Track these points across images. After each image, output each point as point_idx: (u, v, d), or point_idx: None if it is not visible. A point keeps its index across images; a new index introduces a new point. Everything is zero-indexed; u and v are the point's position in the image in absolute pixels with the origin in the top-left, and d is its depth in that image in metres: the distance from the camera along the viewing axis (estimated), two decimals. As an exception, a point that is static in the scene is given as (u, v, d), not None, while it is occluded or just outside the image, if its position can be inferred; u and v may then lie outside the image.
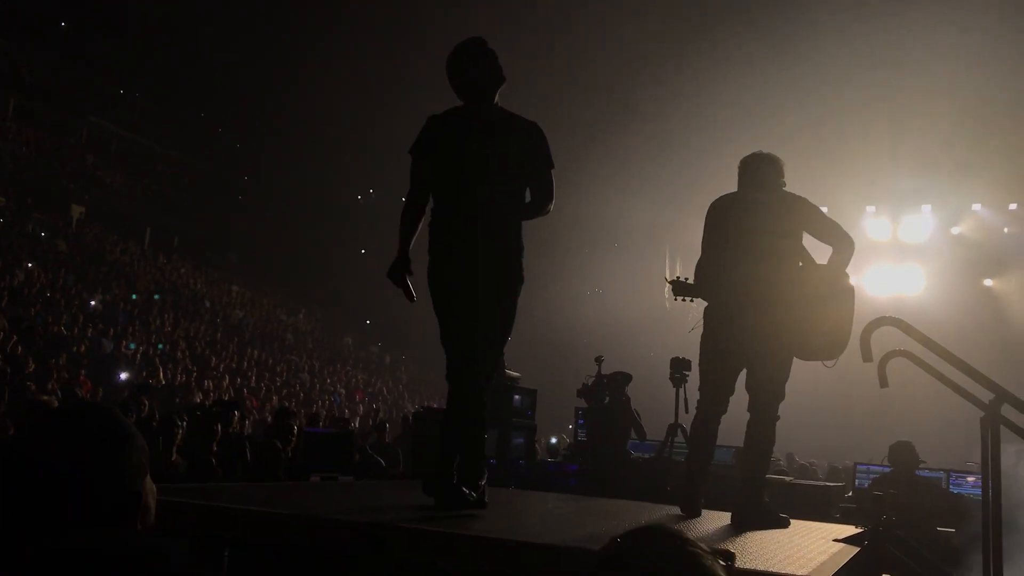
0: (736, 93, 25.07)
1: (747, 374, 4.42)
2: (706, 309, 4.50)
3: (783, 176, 4.50)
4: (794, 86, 24.71)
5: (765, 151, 4.59)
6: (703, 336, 4.50)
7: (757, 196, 4.41)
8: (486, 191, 3.70)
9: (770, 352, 4.30)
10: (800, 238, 4.35)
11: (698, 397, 4.58)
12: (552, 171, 3.84)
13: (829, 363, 4.30)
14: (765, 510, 4.28)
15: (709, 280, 4.45)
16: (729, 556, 1.16)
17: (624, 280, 28.75)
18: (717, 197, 4.58)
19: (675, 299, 4.66)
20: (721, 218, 4.47)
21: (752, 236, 4.29)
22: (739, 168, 4.58)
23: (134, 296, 21.66)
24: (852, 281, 4.18)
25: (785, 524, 4.18)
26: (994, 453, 3.27)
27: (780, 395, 4.38)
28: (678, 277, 4.61)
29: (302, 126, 33.71)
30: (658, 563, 1.07)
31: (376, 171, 35.38)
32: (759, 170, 4.47)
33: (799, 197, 4.42)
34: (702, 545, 1.11)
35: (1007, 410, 3.32)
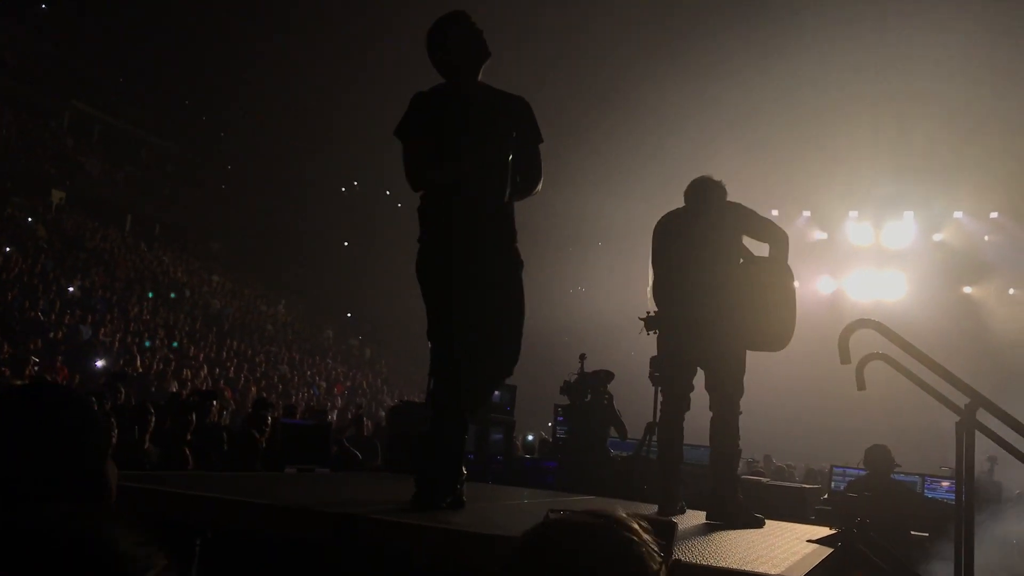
0: (720, 96, 25.15)
1: (705, 374, 4.50)
2: (659, 314, 4.64)
3: (724, 195, 4.67)
4: (777, 91, 24.82)
5: (707, 176, 4.76)
6: (659, 339, 4.68)
7: (697, 208, 4.63)
8: (478, 173, 3.57)
9: (724, 350, 4.45)
10: (739, 240, 4.52)
11: (661, 399, 4.66)
12: (540, 146, 3.75)
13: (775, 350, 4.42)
14: (739, 508, 4.29)
15: (662, 291, 4.63)
16: (667, 529, 1.13)
17: (608, 278, 28.77)
18: (662, 216, 4.78)
19: (647, 333, 4.75)
20: (666, 233, 4.70)
21: (695, 244, 4.51)
22: (686, 190, 4.76)
23: (150, 294, 21.64)
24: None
25: (759, 524, 4.20)
26: (968, 457, 3.28)
27: (739, 390, 4.48)
28: (648, 312, 4.69)
29: (287, 116, 33.57)
30: (584, 544, 1.04)
31: (360, 163, 35.29)
32: (701, 189, 4.68)
33: (734, 203, 4.61)
34: (641, 531, 1.08)
35: (982, 415, 3.33)
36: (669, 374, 4.63)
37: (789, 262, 4.44)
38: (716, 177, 4.75)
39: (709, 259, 4.46)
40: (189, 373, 17.16)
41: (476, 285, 3.53)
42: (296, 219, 35.30)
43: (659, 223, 4.78)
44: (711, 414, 4.51)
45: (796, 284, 4.53)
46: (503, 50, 3.77)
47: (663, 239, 4.72)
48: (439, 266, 3.56)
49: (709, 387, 4.53)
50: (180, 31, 31.55)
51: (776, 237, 4.51)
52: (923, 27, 23.06)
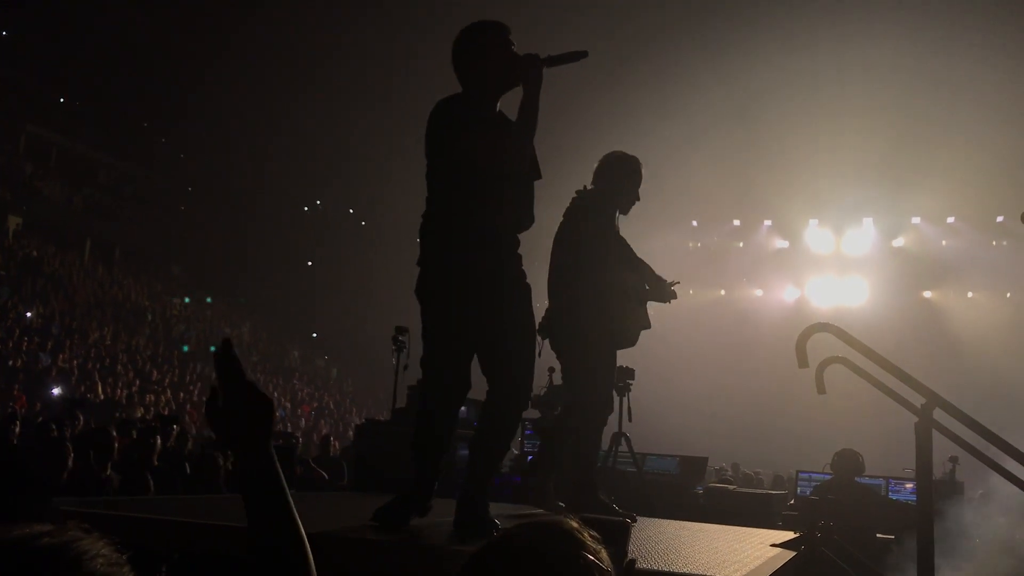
0: (681, 108, 25.36)
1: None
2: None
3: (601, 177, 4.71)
4: (737, 102, 25.12)
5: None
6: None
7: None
8: (503, 194, 3.37)
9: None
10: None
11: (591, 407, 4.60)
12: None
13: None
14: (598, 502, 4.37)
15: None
16: (620, 533, 1.13)
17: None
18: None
19: None
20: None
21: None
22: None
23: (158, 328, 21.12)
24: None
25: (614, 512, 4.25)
26: (926, 457, 3.32)
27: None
28: None
29: (248, 136, 33.35)
30: (524, 566, 1.03)
31: (322, 183, 35.16)
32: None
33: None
34: (589, 541, 1.08)
35: (939, 414, 3.37)
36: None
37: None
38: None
39: None
40: (152, 398, 16.94)
41: (491, 312, 3.36)
42: (259, 239, 35.04)
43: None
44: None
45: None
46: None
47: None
48: (451, 291, 3.36)
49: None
50: (137, 52, 31.26)
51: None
52: (880, 38, 23.47)
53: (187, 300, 29.92)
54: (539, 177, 3.56)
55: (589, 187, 4.70)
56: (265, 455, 1.47)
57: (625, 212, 4.78)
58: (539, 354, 4.78)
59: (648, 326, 4.73)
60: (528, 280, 3.56)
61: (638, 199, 4.78)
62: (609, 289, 4.44)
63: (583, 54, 3.34)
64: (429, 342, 3.42)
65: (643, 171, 4.76)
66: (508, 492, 7.61)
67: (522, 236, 3.52)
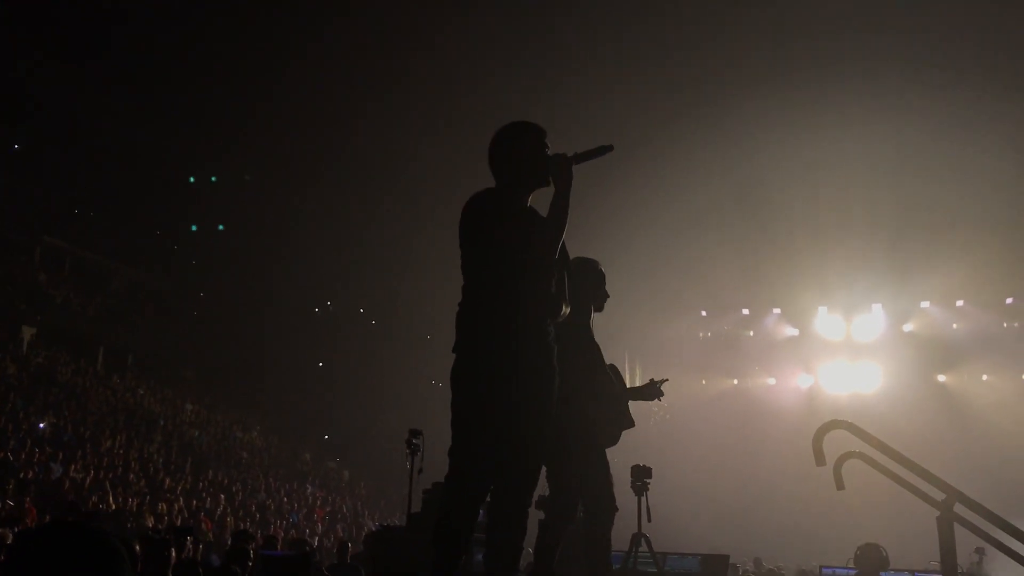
0: (687, 196, 25.72)
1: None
2: None
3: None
4: (743, 190, 25.44)
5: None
6: None
7: None
8: (537, 284, 3.45)
9: None
10: None
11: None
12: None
13: None
14: None
15: None
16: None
17: (584, 386, 28.78)
18: None
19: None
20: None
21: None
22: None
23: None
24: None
25: None
26: (949, 551, 3.30)
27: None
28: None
29: (257, 239, 33.85)
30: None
31: (333, 283, 35.48)
32: None
33: None
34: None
35: (960, 508, 3.36)
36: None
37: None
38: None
39: None
40: (164, 507, 16.77)
41: (527, 401, 3.38)
42: (269, 341, 35.18)
43: None
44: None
45: None
46: (462, 161, 3.84)
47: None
48: (493, 376, 3.35)
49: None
50: (148, 160, 32.02)
51: None
52: (884, 123, 23.90)
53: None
54: (571, 272, 3.65)
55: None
56: None
57: (600, 310, 4.89)
58: None
59: (630, 425, 4.76)
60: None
61: (607, 295, 4.90)
62: (576, 393, 4.36)
63: (609, 148, 3.47)
64: (462, 429, 3.39)
65: (601, 268, 4.92)
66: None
67: None
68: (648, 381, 5.00)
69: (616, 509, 4.79)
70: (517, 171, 3.54)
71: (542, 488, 8.73)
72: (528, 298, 3.41)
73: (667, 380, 5.02)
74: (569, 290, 3.62)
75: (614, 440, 4.75)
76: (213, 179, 33.95)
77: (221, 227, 34.53)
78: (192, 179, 33.92)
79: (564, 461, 4.40)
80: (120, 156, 31.50)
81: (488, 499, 3.51)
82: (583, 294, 4.65)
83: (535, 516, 4.11)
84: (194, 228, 35.27)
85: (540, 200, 3.56)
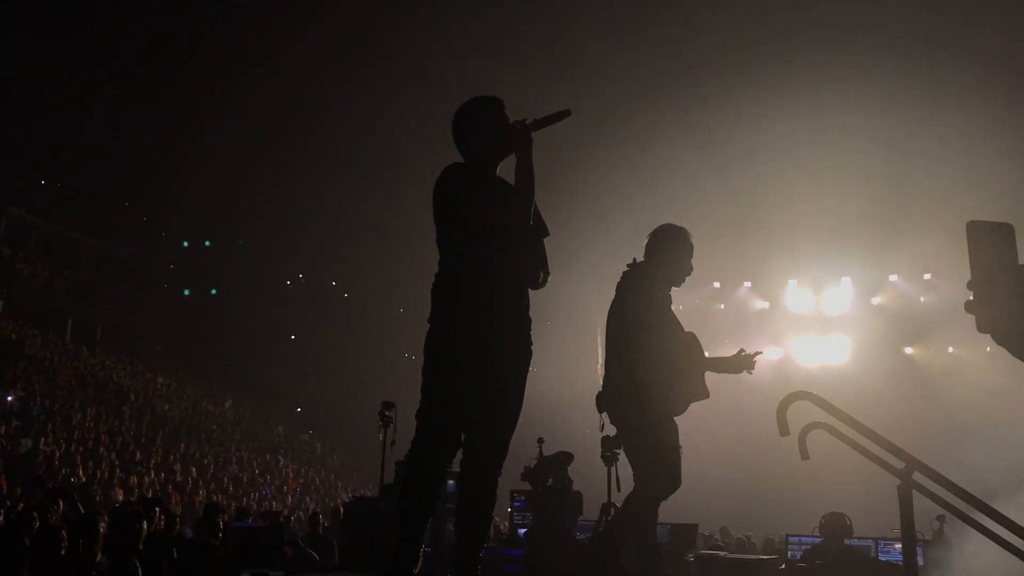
0: (661, 173, 25.78)
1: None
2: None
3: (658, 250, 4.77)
4: (717, 165, 25.53)
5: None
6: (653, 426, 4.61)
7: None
8: (511, 251, 3.48)
9: None
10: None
11: (653, 477, 4.56)
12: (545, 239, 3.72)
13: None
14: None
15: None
16: None
17: (557, 358, 28.91)
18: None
19: None
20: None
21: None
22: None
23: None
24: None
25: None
26: (909, 519, 3.38)
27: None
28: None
29: (227, 213, 33.54)
30: None
31: (304, 257, 35.28)
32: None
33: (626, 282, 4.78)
34: None
35: (919, 477, 3.44)
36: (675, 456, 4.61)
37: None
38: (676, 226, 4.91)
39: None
40: (135, 480, 16.72)
41: (491, 377, 3.41)
42: (241, 314, 34.97)
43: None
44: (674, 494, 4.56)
45: None
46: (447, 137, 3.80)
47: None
48: (456, 350, 3.41)
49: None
50: (117, 132, 31.56)
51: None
52: (855, 101, 24.07)
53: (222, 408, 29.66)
54: (547, 234, 3.69)
55: (640, 260, 4.79)
56: None
57: (678, 284, 4.84)
58: (601, 428, 4.87)
59: (705, 395, 4.71)
60: (532, 346, 3.61)
61: (691, 270, 4.85)
62: (655, 359, 4.47)
63: (566, 113, 3.49)
64: (427, 395, 3.46)
65: (691, 241, 4.85)
66: (509, 567, 7.55)
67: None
68: (738, 351, 4.80)
69: (678, 483, 4.66)
70: (481, 144, 3.60)
71: (525, 460, 8.77)
72: (499, 269, 3.44)
73: (760, 353, 4.86)
74: (542, 256, 3.66)
75: (681, 410, 4.71)
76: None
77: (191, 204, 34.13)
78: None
79: (655, 434, 4.52)
80: (87, 127, 31.03)
81: (459, 470, 3.55)
82: (676, 263, 4.74)
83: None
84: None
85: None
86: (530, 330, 3.59)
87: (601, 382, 4.74)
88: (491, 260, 3.44)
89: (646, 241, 4.84)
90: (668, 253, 4.76)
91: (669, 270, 4.77)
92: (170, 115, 31.29)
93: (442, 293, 3.50)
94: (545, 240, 3.71)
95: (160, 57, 29.74)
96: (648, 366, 4.46)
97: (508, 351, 3.48)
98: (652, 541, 4.56)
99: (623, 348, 4.58)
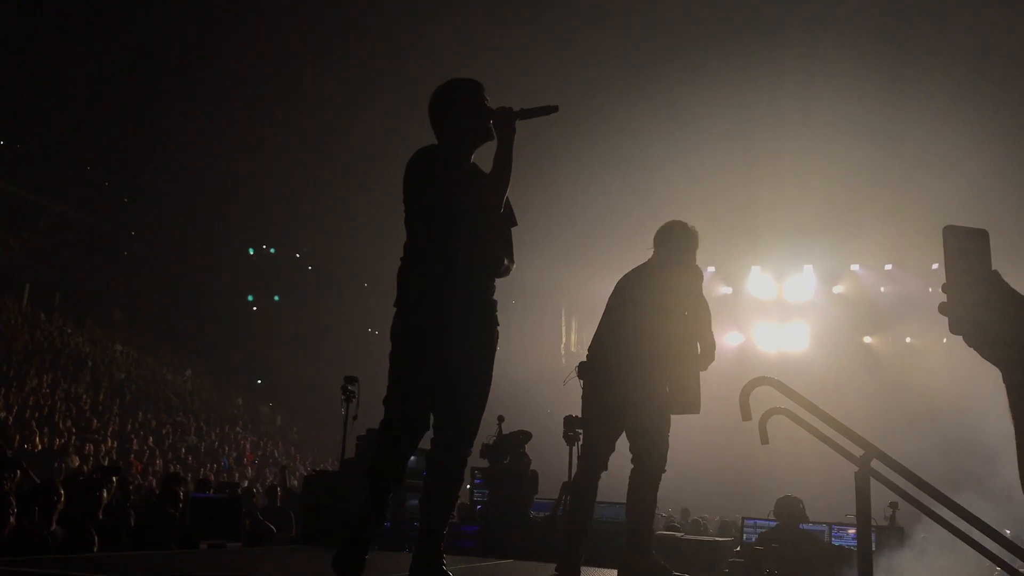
0: (625, 157, 25.84)
1: (634, 429, 4.54)
2: (587, 367, 4.66)
3: (691, 248, 4.82)
4: (680, 152, 25.60)
5: (678, 222, 4.94)
6: (586, 395, 4.68)
7: (663, 274, 4.73)
8: (478, 238, 3.49)
9: (655, 405, 4.50)
10: (690, 306, 4.71)
11: (579, 455, 4.68)
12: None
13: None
14: (654, 566, 4.35)
15: (600, 341, 4.64)
16: None
17: (521, 338, 28.99)
18: (631, 270, 4.86)
19: (579, 381, 4.78)
20: (628, 291, 4.76)
21: (652, 307, 4.62)
22: (656, 236, 4.89)
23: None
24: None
25: None
26: (865, 505, 3.44)
27: (667, 446, 4.55)
28: (582, 363, 4.77)
29: (190, 180, 33.06)
30: None
31: (269, 226, 34.93)
32: (666, 246, 4.82)
33: (700, 274, 4.81)
34: None
35: (877, 464, 3.50)
36: (596, 429, 4.62)
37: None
38: (682, 224, 4.94)
39: (662, 316, 4.61)
40: (92, 448, 16.55)
41: (458, 358, 3.45)
42: (202, 284, 34.59)
43: (627, 275, 4.86)
44: (631, 472, 4.57)
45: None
46: (423, 114, 3.77)
47: (626, 288, 4.79)
48: (426, 332, 3.44)
49: (637, 447, 4.59)
50: (79, 94, 30.94)
51: (705, 313, 4.75)
52: (817, 91, 24.20)
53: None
54: (515, 224, 3.70)
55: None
56: None
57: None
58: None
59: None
60: (499, 328, 3.63)
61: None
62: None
63: (554, 109, 3.46)
64: (393, 383, 3.49)
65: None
66: (467, 544, 7.60)
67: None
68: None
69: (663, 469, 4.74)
70: (457, 128, 3.57)
71: (484, 437, 8.82)
72: (463, 256, 3.45)
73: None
74: (506, 245, 3.66)
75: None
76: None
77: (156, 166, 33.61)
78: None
79: (661, 419, 4.57)
80: (50, 88, 30.39)
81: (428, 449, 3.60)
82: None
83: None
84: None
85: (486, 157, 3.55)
86: (495, 312, 3.60)
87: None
88: (456, 246, 3.44)
89: (675, 240, 4.89)
90: (674, 251, 4.87)
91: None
92: (133, 79, 30.72)
93: (407, 277, 3.52)
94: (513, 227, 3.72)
95: (132, 20, 29.17)
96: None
97: (472, 335, 3.50)
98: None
99: (681, 331, 4.67)
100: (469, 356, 3.48)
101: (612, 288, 4.84)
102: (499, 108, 3.47)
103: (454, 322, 3.42)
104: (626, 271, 4.87)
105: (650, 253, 4.88)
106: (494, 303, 3.60)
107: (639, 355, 4.50)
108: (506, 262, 3.64)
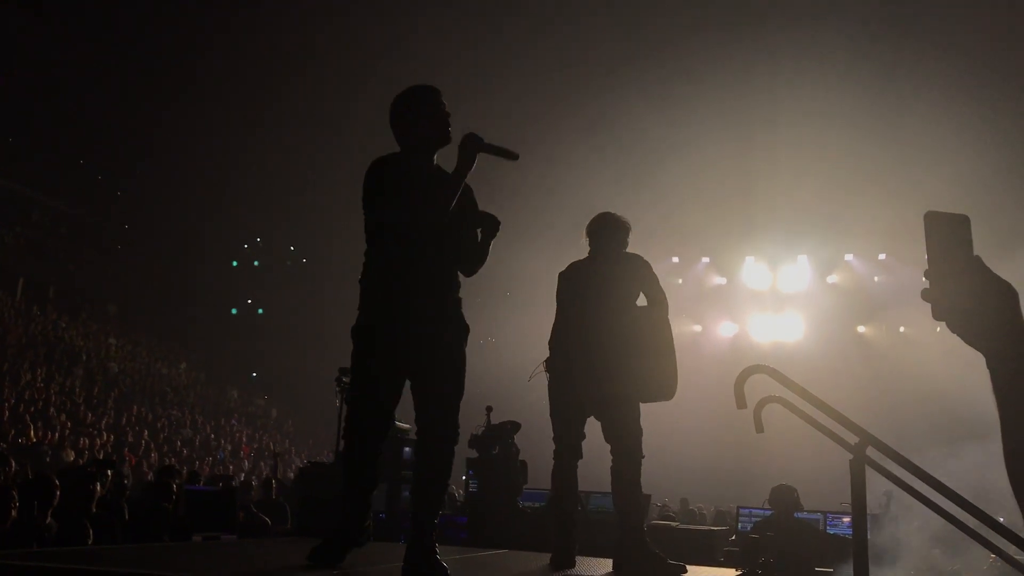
0: (618, 148, 25.78)
1: (602, 423, 4.62)
2: (550, 360, 4.77)
3: (627, 239, 4.93)
4: (674, 141, 25.56)
5: (610, 214, 5.03)
6: (549, 389, 4.79)
7: (600, 252, 4.87)
8: (435, 245, 3.61)
9: (621, 397, 4.57)
10: (637, 295, 4.80)
11: (554, 449, 4.74)
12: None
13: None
14: (649, 554, 4.35)
15: (561, 337, 4.78)
16: None
17: (514, 329, 28.95)
18: (566, 266, 4.99)
19: (546, 374, 4.85)
20: (569, 279, 4.90)
21: (598, 292, 4.72)
22: (589, 227, 4.98)
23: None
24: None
25: (674, 570, 4.28)
26: (860, 493, 3.44)
27: (639, 437, 4.59)
28: (547, 358, 4.82)
29: (185, 173, 32.95)
30: None
31: (263, 219, 34.82)
32: (602, 237, 4.90)
33: (641, 261, 4.84)
34: None
35: (872, 452, 3.50)
36: (563, 421, 4.70)
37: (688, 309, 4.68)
38: (613, 216, 5.00)
39: (610, 307, 4.65)
40: (86, 441, 16.52)
41: (428, 354, 3.57)
42: (197, 277, 34.51)
43: (564, 271, 4.96)
44: (611, 465, 4.59)
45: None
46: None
47: (567, 285, 4.88)
48: (374, 334, 3.58)
49: (610, 437, 4.63)
50: (73, 89, 30.81)
51: (660, 298, 4.81)
52: (812, 79, 24.17)
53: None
54: (479, 227, 3.82)
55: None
56: None
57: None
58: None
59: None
60: (467, 322, 3.76)
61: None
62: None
63: (515, 156, 3.63)
64: (352, 384, 3.68)
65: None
66: (462, 535, 7.59)
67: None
68: None
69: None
70: (416, 134, 3.69)
71: (473, 428, 8.78)
72: (415, 262, 3.57)
73: None
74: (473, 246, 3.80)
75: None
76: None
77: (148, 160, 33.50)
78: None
79: (624, 403, 4.63)
80: (43, 82, 30.24)
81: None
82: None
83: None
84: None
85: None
86: (459, 308, 3.73)
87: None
88: (407, 253, 3.57)
89: (608, 235, 4.95)
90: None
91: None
92: (126, 72, 30.59)
93: (362, 282, 3.69)
94: (501, 214, 3.82)
95: (125, 18, 29.02)
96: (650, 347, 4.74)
97: (430, 331, 3.58)
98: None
99: (628, 318, 4.77)
100: (429, 353, 3.56)
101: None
102: (468, 134, 3.56)
103: (398, 325, 3.53)
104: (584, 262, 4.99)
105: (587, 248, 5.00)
106: (454, 300, 3.72)
107: (595, 348, 4.58)
108: (466, 266, 3.79)
